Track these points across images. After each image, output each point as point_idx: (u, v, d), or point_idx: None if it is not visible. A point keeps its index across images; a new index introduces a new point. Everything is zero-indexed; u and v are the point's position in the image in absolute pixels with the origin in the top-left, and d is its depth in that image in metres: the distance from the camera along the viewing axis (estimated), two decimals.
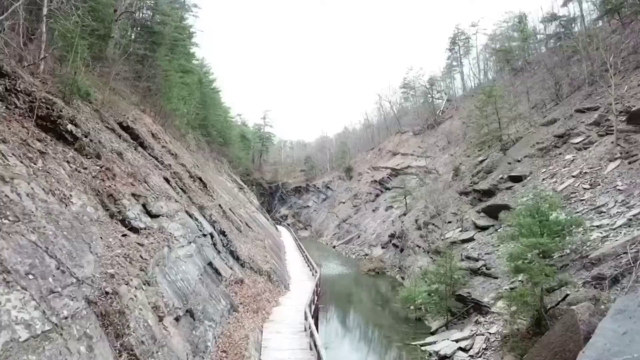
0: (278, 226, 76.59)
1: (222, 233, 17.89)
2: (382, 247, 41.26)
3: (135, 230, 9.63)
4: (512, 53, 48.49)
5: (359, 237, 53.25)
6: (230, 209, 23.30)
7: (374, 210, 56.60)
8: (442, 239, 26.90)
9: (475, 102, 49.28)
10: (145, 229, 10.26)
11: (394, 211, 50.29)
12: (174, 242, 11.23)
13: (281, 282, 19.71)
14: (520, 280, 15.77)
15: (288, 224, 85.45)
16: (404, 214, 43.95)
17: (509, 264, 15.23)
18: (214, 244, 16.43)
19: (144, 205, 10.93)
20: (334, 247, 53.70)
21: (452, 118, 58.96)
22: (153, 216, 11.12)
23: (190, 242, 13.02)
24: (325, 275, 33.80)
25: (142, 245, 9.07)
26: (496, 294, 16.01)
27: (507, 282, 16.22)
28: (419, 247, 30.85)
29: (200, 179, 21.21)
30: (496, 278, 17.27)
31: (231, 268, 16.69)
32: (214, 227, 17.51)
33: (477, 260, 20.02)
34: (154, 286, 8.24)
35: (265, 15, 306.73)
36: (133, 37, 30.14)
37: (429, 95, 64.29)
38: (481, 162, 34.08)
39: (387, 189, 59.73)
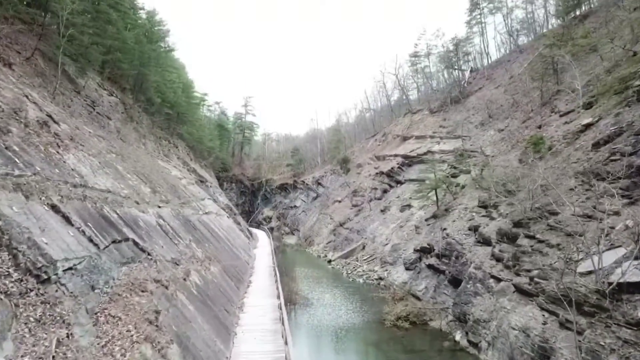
0: (256, 230, 61.41)
1: None
2: (407, 269, 26.47)
3: None
4: None
5: (363, 248, 38.48)
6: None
7: (382, 211, 41.91)
8: (582, 274, 12.23)
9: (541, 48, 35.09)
10: None
11: (414, 212, 35.71)
12: None
13: None
14: None
15: (272, 228, 70.65)
16: (434, 217, 29.42)
17: None
18: None
19: None
20: (330, 261, 38.79)
21: (483, 89, 44.80)
22: None
23: None
24: (321, 328, 18.85)
25: None
26: None
27: None
28: (498, 279, 16.18)
29: None
30: None
31: None
32: None
33: None
34: None
35: (251, 3, 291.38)
36: None
37: (453, 62, 49.54)
38: (588, 126, 19.66)
39: (399, 182, 45.19)
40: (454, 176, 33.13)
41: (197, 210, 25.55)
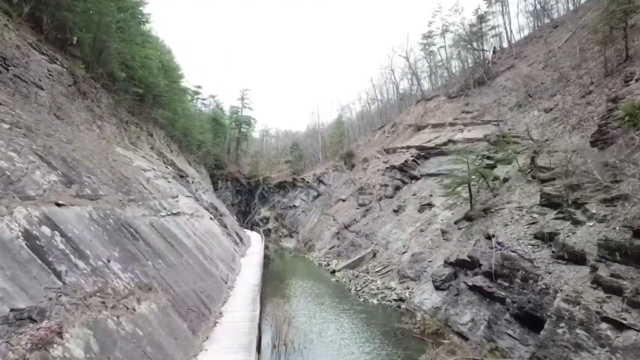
0: (250, 232, 54.80)
1: None
2: (438, 288, 19.84)
3: None
4: None
5: (374, 255, 31.87)
6: None
7: (395, 211, 35.32)
8: None
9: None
10: None
11: (437, 212, 29.13)
12: None
13: None
14: None
15: (269, 229, 64.36)
16: (468, 219, 22.99)
17: None
18: None
19: None
20: (334, 272, 32.17)
21: (512, 69, 38.18)
22: None
23: None
24: None
25: None
26: None
27: None
28: (620, 325, 9.59)
29: None
30: None
31: None
32: None
33: None
34: None
35: None
36: None
37: (476, 38, 42.76)
38: None
39: (414, 177, 38.58)
40: (489, 168, 26.55)
41: (157, 210, 19.00)
